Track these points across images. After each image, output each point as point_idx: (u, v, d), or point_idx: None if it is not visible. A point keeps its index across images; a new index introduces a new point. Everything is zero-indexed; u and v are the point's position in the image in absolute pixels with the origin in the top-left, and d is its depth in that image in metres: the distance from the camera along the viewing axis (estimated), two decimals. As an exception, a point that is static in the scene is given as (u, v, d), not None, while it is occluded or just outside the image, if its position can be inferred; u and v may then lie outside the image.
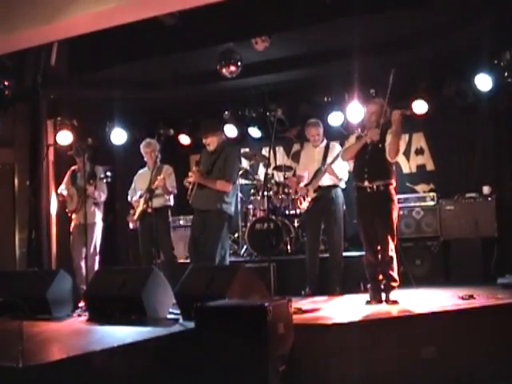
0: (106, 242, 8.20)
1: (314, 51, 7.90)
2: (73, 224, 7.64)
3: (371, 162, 5.82)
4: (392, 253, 5.76)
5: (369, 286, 5.96)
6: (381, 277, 5.85)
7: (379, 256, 5.84)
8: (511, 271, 6.54)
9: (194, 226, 6.66)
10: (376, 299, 5.81)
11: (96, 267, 7.45)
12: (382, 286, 5.85)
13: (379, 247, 5.83)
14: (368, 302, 5.80)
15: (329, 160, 6.90)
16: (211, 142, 6.58)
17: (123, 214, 7.79)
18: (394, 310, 5.40)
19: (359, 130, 6.23)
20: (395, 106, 5.82)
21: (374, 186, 5.80)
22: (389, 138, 5.75)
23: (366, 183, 5.82)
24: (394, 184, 5.90)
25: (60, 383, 3.32)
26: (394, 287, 5.80)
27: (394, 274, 5.79)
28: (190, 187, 6.51)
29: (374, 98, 6.48)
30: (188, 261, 6.85)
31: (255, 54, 7.69)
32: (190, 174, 6.55)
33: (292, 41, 7.69)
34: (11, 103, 8.37)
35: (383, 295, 5.82)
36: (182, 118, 9.29)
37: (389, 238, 5.74)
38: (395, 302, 5.69)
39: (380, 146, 5.80)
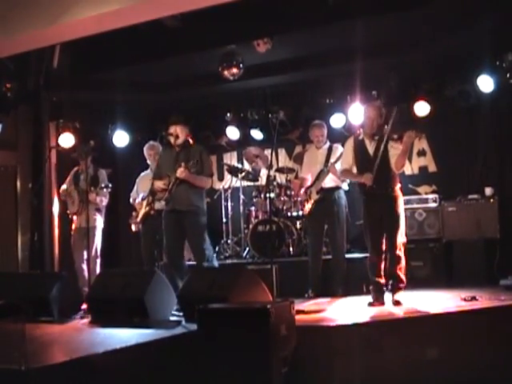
0: (109, 244, 8.21)
1: (315, 53, 7.90)
2: (74, 226, 7.65)
3: (378, 172, 5.80)
4: (400, 253, 5.79)
5: (371, 287, 5.97)
6: (383, 280, 5.87)
7: (383, 257, 5.86)
8: (514, 273, 6.54)
9: (169, 228, 6.24)
10: (378, 301, 5.80)
11: (98, 270, 7.45)
12: (389, 287, 5.86)
13: (384, 247, 5.85)
14: (370, 304, 5.80)
15: (332, 161, 6.90)
16: (180, 132, 6.28)
17: (125, 217, 7.80)
18: (396, 312, 5.40)
19: (361, 130, 6.25)
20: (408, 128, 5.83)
21: (382, 189, 5.83)
22: (393, 150, 5.76)
23: (374, 189, 5.84)
24: (400, 185, 5.96)
25: (62, 385, 3.33)
26: (400, 288, 5.80)
27: (402, 274, 5.79)
28: (169, 188, 6.19)
29: (371, 101, 6.47)
30: (191, 262, 6.82)
31: (257, 56, 7.70)
32: (179, 170, 6.09)
33: (294, 43, 7.70)
34: (13, 106, 8.37)
35: (390, 295, 5.82)
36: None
37: (397, 237, 5.77)
38: (399, 303, 5.69)
39: (385, 155, 5.81)
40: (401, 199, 5.91)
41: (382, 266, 5.87)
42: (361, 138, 6.05)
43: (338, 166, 6.78)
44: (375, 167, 5.78)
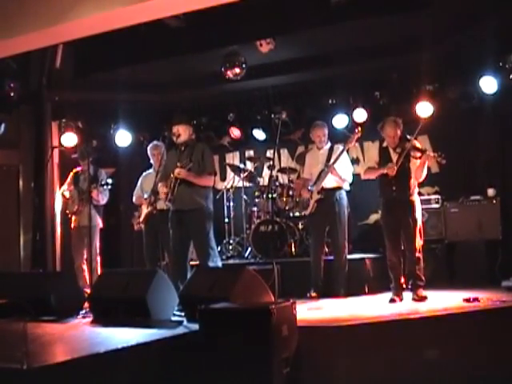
0: (110, 244, 8.21)
1: (318, 53, 7.90)
2: (72, 226, 7.66)
3: (399, 180, 6.14)
4: (419, 254, 6.10)
5: (391, 285, 6.25)
6: (403, 279, 6.23)
7: (401, 257, 6.22)
8: (516, 274, 6.53)
9: (174, 229, 6.23)
10: (399, 297, 6.15)
11: (98, 269, 7.46)
12: (410, 286, 6.23)
13: (403, 248, 6.21)
14: (391, 300, 6.11)
15: (331, 161, 6.90)
16: (183, 132, 6.28)
17: (127, 216, 7.79)
18: (398, 313, 5.39)
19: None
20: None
21: (402, 196, 6.15)
22: (412, 164, 6.12)
23: (394, 194, 6.18)
24: (418, 189, 6.31)
25: (64, 385, 3.33)
26: (420, 286, 6.13)
27: (421, 273, 6.14)
28: (171, 188, 6.16)
29: (386, 118, 6.52)
30: (193, 263, 6.81)
31: (260, 57, 7.70)
32: (176, 171, 6.11)
33: (296, 43, 7.70)
34: (16, 105, 8.37)
35: (411, 293, 6.16)
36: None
37: (416, 239, 6.08)
38: (424, 298, 6.02)
39: (406, 165, 6.13)
40: (418, 204, 6.24)
41: (402, 265, 6.23)
42: (385, 145, 6.33)
43: (337, 166, 6.83)
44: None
